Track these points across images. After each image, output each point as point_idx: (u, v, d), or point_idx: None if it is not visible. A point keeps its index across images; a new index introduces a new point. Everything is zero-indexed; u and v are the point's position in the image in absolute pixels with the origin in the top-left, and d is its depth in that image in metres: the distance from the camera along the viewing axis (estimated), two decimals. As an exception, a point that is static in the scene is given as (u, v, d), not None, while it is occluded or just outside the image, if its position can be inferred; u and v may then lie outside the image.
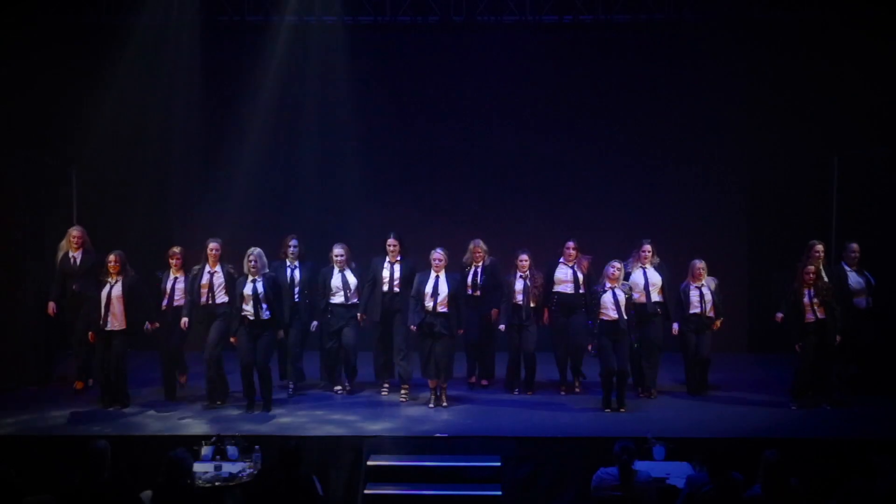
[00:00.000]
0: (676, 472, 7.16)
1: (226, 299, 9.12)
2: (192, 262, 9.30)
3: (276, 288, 8.96)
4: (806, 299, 9.03)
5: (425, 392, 9.21)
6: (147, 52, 10.93)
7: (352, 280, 9.47)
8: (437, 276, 9.12)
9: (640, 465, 6.81)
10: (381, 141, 11.70)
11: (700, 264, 9.45)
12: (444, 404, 9.09)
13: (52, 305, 9.49)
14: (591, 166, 11.72)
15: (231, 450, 7.45)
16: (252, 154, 11.54)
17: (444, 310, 9.04)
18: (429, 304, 9.06)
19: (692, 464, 7.27)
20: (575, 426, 8.50)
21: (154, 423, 8.56)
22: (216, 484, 7.04)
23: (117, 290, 9.02)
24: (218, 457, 7.38)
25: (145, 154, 11.31)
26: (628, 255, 9.56)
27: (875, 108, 10.42)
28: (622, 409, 9.01)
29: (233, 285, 9.03)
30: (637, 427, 8.27)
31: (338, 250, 9.46)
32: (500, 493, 7.72)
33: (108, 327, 8.99)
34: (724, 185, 11.66)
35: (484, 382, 9.90)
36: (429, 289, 9.08)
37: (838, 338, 9.00)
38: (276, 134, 11.64)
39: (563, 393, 9.57)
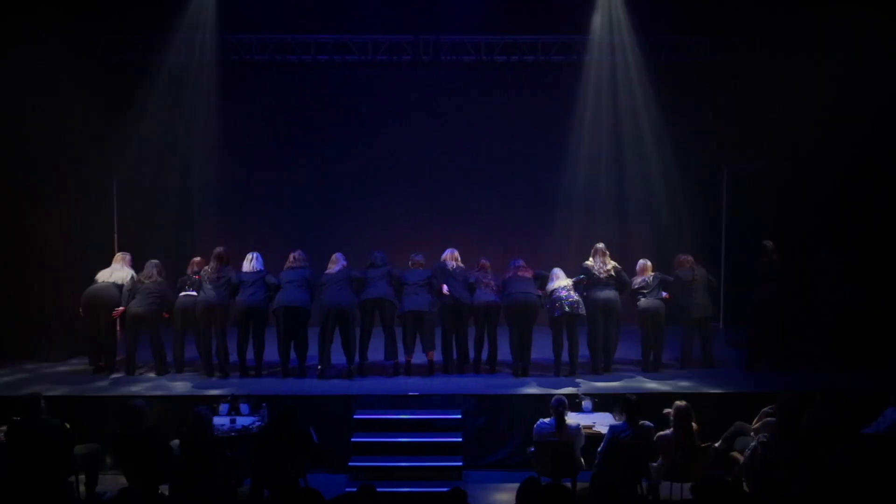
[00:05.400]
0: (601, 421, 7.30)
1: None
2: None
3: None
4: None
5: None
6: (173, 86, 10.75)
7: None
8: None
9: (572, 416, 7.09)
10: (366, 158, 11.59)
11: (649, 262, 9.29)
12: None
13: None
14: (535, 180, 11.63)
15: (243, 406, 7.56)
16: (259, 173, 11.54)
17: None
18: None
19: (613, 414, 7.42)
20: (521, 386, 8.54)
21: (181, 385, 8.55)
22: (231, 434, 7.12)
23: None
24: (233, 412, 7.47)
25: (171, 170, 11.13)
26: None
27: (757, 130, 10.46)
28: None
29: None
30: (570, 386, 8.38)
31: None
32: (461, 439, 7.86)
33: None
34: (639, 195, 11.57)
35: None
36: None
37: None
38: (281, 153, 11.55)
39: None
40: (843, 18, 9.42)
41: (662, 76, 10.85)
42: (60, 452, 6.61)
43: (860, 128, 9.66)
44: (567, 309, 8.79)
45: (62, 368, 9.25)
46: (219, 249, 9.11)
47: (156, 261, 9.13)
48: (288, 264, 9.04)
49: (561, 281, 9.02)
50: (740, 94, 10.47)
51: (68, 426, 6.74)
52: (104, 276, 9.06)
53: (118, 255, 9.30)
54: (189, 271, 9.29)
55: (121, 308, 8.86)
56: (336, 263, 9.03)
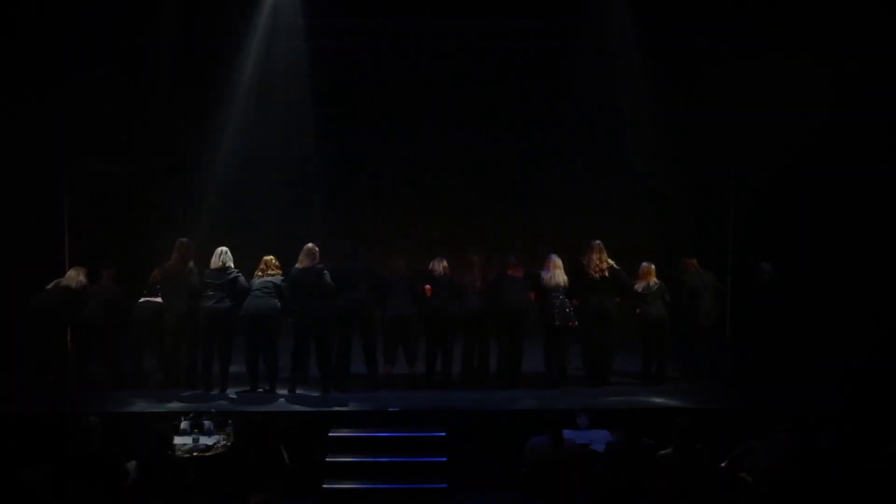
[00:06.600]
0: (598, 439, 7.16)
1: None
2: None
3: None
4: None
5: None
6: (130, 67, 10.49)
7: None
8: None
9: (566, 433, 6.83)
10: (342, 151, 11.44)
11: (652, 266, 9.19)
12: None
13: None
14: (527, 175, 11.54)
15: (207, 424, 7.33)
16: (222, 164, 11.12)
17: None
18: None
19: (611, 431, 7.24)
20: (511, 401, 8.43)
21: (138, 400, 8.34)
22: (194, 454, 6.93)
23: None
24: (195, 430, 7.26)
25: (128, 160, 10.83)
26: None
27: (769, 130, 10.30)
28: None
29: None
30: (565, 400, 8.26)
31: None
32: (445, 459, 7.68)
33: None
34: (638, 192, 11.46)
35: None
36: None
37: None
38: (246, 145, 11.18)
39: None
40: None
41: (665, 65, 10.75)
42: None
43: (882, 126, 9.60)
44: (559, 322, 8.71)
45: (3, 382, 8.95)
46: (182, 240, 8.79)
47: (111, 269, 8.96)
48: (259, 270, 8.79)
49: (558, 276, 8.84)
50: (750, 86, 10.38)
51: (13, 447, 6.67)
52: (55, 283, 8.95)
53: (73, 270, 9.03)
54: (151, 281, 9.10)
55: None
56: (309, 257, 8.63)
